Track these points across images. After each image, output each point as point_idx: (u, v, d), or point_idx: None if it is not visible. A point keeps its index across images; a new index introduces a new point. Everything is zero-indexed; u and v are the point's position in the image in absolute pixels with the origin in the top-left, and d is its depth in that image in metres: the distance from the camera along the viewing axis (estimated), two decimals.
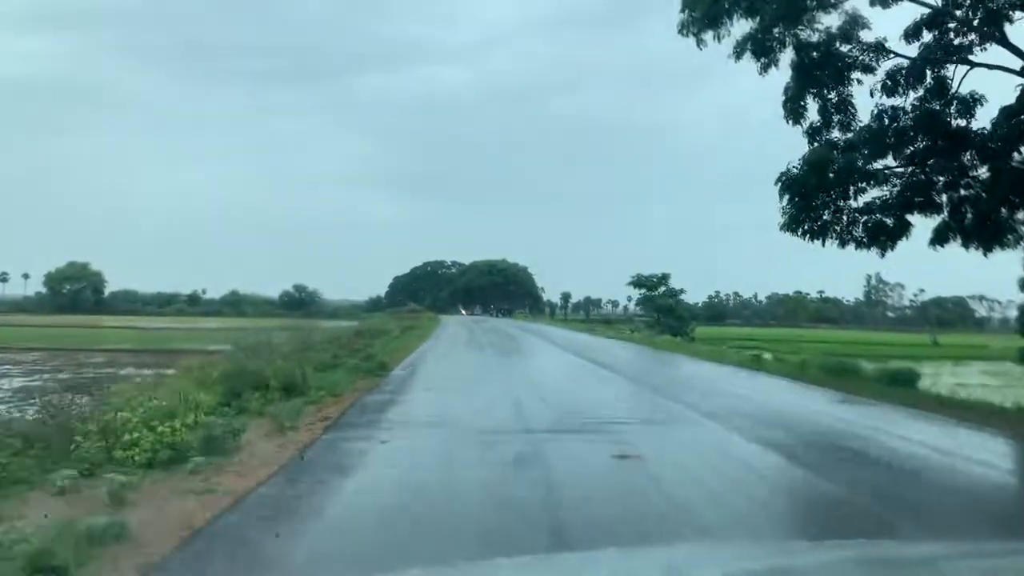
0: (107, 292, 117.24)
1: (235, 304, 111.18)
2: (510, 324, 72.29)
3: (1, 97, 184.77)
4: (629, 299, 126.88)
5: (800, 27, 15.19)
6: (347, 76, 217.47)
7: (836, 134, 15.74)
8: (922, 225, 15.09)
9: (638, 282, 60.96)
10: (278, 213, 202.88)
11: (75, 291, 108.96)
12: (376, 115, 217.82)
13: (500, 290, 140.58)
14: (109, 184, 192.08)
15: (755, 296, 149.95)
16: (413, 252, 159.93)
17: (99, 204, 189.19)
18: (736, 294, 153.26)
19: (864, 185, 14.99)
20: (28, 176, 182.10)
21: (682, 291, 60.96)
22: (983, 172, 14.71)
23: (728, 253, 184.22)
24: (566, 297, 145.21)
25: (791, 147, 15.75)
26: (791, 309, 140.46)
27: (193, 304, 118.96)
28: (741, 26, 15.10)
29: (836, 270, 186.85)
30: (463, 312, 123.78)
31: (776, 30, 15.13)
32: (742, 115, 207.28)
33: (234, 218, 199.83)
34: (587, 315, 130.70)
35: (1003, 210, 14.44)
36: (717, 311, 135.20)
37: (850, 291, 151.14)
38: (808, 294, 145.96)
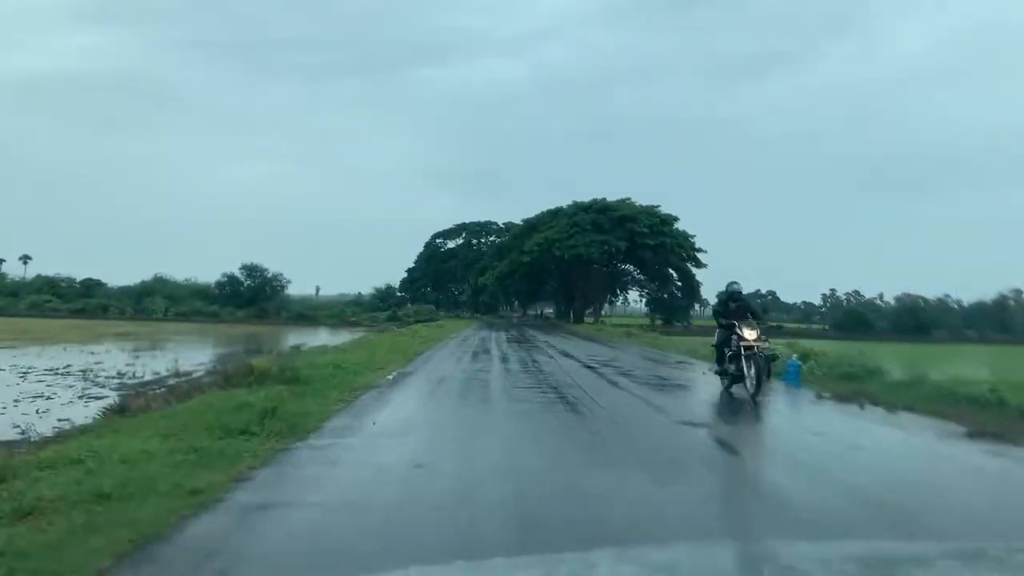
0: None
1: (140, 295, 72.26)
2: None
3: (58, 93, 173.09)
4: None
5: None
6: (401, 70, 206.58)
7: None
8: None
9: None
10: (326, 209, 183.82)
11: None
12: (430, 109, 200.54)
13: (612, 263, 71.28)
14: (165, 178, 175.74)
15: (880, 295, 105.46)
16: None
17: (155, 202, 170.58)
18: (856, 293, 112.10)
19: None
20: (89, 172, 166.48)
21: None
22: None
23: (830, 249, 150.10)
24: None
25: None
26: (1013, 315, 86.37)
27: (88, 295, 79.10)
28: None
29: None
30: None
31: None
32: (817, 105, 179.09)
33: (276, 213, 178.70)
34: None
35: None
36: (916, 317, 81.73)
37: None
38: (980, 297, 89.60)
